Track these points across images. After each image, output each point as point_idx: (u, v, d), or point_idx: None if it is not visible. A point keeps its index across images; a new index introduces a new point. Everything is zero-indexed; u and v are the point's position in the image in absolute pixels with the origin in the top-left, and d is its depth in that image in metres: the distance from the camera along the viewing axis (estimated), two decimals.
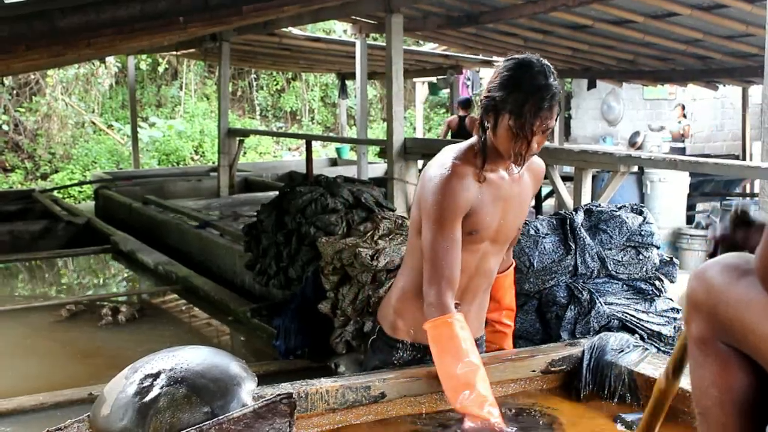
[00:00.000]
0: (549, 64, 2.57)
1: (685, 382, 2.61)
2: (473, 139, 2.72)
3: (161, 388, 2.16)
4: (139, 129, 17.19)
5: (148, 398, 2.15)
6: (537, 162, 2.88)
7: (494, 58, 13.50)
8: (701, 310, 1.57)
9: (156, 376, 2.21)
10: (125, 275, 9.06)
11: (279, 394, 2.13)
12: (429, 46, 14.68)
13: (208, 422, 2.02)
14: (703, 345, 1.58)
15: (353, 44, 11.81)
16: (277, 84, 22.69)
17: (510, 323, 3.18)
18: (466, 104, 12.56)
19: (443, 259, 2.59)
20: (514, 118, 2.51)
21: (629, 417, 2.64)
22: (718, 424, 1.58)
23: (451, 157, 2.68)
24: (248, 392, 2.22)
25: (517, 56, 2.61)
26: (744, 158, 12.79)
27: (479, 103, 2.65)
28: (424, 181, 2.70)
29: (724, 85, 12.29)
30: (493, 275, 2.90)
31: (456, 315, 2.56)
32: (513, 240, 2.97)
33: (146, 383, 2.19)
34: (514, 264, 3.24)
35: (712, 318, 1.55)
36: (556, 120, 2.57)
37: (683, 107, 14.39)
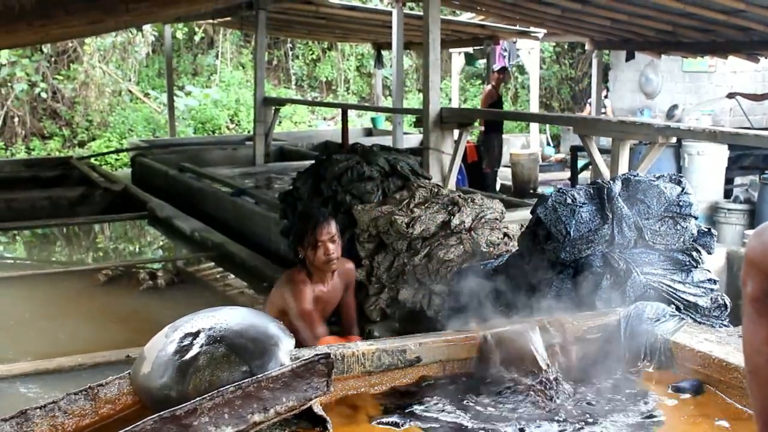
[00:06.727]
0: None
1: (728, 351, 2.62)
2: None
3: (201, 346, 2.19)
4: (175, 97, 17.26)
5: (188, 356, 2.18)
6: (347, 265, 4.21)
7: (531, 28, 13.36)
8: (757, 268, 1.57)
9: (196, 335, 2.23)
10: (161, 242, 9.14)
11: (317, 354, 2.15)
12: (466, 16, 14.56)
13: (247, 380, 2.05)
14: (758, 303, 1.58)
15: (389, 13, 11.77)
16: (312, 53, 22.62)
17: None
18: (502, 71, 12.27)
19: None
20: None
21: (684, 384, 2.64)
22: None
23: None
24: (286, 352, 2.25)
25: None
26: None
27: None
28: None
29: (766, 58, 12.06)
30: None
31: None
32: None
33: (186, 342, 2.22)
34: None
35: (767, 277, 1.55)
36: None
37: None
